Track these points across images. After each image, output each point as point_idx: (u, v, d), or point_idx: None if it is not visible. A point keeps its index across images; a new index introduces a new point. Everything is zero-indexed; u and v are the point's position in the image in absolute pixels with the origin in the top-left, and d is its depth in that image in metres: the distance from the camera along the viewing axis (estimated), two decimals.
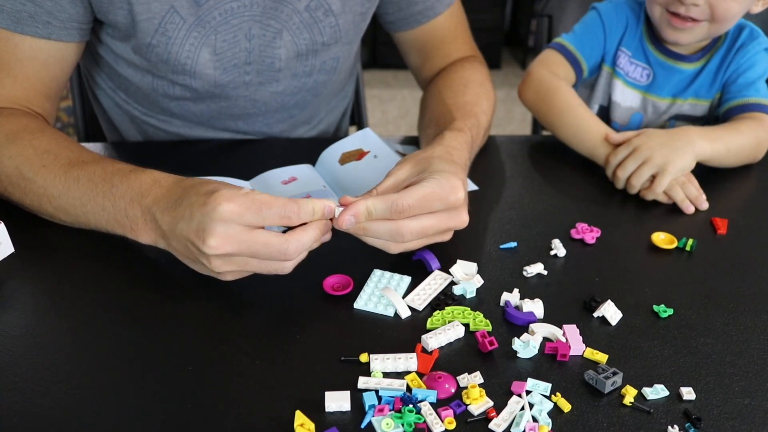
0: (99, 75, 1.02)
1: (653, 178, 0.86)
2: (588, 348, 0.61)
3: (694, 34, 0.99)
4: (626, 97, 1.10)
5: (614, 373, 0.57)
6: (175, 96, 0.95)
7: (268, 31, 0.89)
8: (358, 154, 0.85)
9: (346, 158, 0.85)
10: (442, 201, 0.66)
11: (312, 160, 0.89)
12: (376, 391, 0.56)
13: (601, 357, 0.61)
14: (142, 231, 0.68)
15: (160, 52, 0.86)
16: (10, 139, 0.76)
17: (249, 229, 0.60)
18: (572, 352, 0.61)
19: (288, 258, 0.62)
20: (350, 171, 0.83)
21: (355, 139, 0.87)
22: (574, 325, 0.64)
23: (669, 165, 0.85)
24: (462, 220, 0.68)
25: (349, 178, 0.82)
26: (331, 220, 0.64)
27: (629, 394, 0.56)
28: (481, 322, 0.64)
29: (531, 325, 0.63)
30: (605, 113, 1.13)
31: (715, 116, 1.05)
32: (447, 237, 0.70)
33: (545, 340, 0.63)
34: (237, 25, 0.87)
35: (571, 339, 0.62)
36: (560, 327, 0.63)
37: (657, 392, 0.57)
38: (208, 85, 0.92)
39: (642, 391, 0.57)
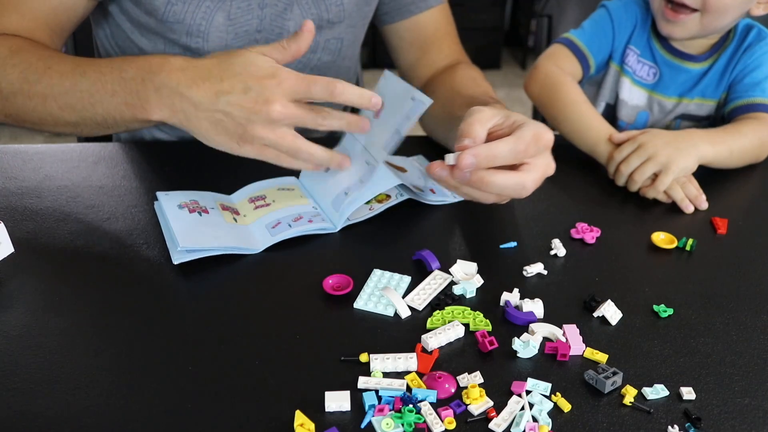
0: (114, 50, 1.04)
1: (655, 176, 0.86)
2: (588, 348, 0.61)
3: (687, 27, 0.99)
4: (633, 96, 1.10)
5: (614, 373, 0.57)
6: None
7: (280, 1, 0.93)
8: None
9: None
10: (544, 142, 0.69)
11: None
12: (376, 391, 0.56)
13: (601, 357, 0.61)
14: (155, 107, 0.72)
15: (177, 11, 0.89)
16: (13, 51, 0.79)
17: (298, 102, 0.69)
18: (572, 352, 0.61)
19: (320, 124, 0.71)
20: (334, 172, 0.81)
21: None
22: (574, 325, 0.64)
23: (672, 164, 0.85)
24: (553, 165, 0.72)
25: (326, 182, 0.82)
26: (451, 168, 0.67)
27: (629, 394, 0.56)
28: (481, 322, 0.64)
29: (531, 325, 0.63)
30: (611, 111, 1.14)
31: (721, 116, 1.06)
32: (534, 187, 0.72)
33: (545, 340, 0.63)
34: None
35: (571, 339, 0.62)
36: (560, 327, 0.63)
37: (657, 392, 0.57)
38: (219, 49, 0.94)
39: (642, 391, 0.57)
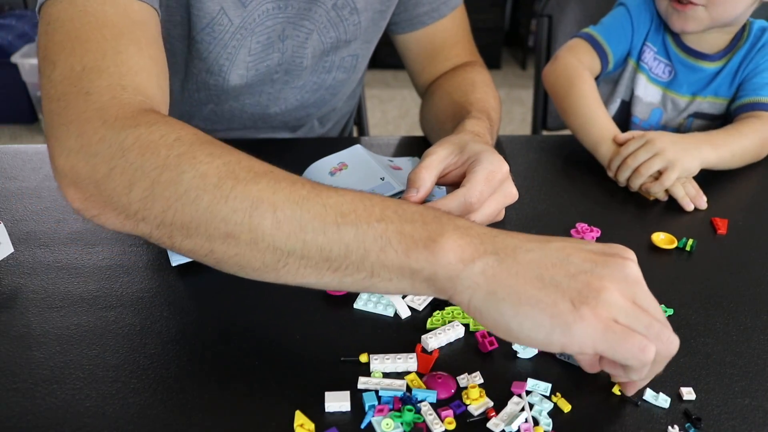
0: None
1: (658, 174, 0.87)
2: None
3: (697, 20, 0.99)
4: (648, 93, 1.11)
5: None
6: (200, 100, 0.94)
7: (301, 32, 0.89)
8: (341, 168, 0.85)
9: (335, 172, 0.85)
10: (498, 178, 0.66)
11: (311, 159, 0.88)
12: (376, 392, 0.56)
13: None
14: (451, 240, 0.49)
15: (201, 49, 0.85)
16: (204, 140, 0.55)
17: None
18: None
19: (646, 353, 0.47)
20: (338, 182, 0.82)
21: (343, 155, 0.86)
22: None
23: (678, 162, 0.86)
24: (513, 193, 0.69)
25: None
26: None
27: (616, 389, 0.57)
28: None
29: None
30: (626, 108, 1.15)
31: (727, 113, 1.07)
32: (502, 215, 0.71)
33: None
34: (271, 27, 0.87)
35: None
36: None
37: (657, 399, 0.57)
38: (239, 86, 0.92)
39: (644, 397, 0.57)
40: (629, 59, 1.12)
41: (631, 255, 0.51)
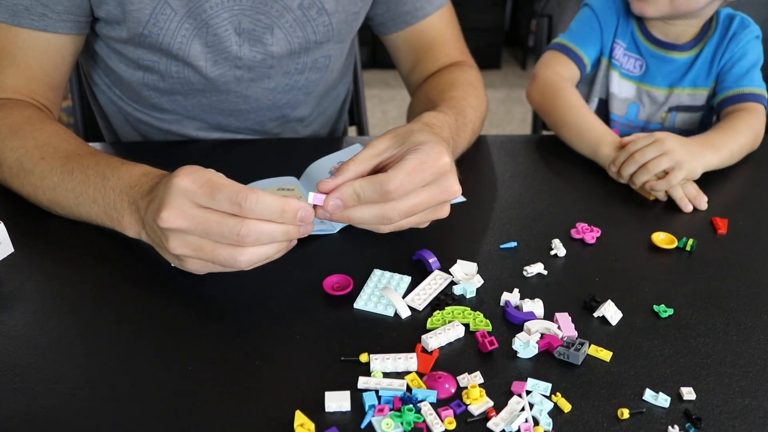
0: (95, 71, 1.02)
1: (663, 174, 0.87)
2: (593, 345, 0.61)
3: (658, 5, 1.01)
4: (622, 89, 1.12)
5: (581, 344, 0.59)
6: (165, 89, 0.95)
7: (258, 26, 0.89)
8: None
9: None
10: (431, 171, 0.62)
11: (311, 159, 0.88)
12: (376, 391, 0.56)
13: (605, 354, 0.61)
14: (128, 223, 0.67)
15: (152, 42, 0.87)
16: (13, 131, 0.77)
17: (203, 207, 0.58)
18: (566, 336, 0.62)
19: (242, 242, 0.57)
20: None
21: (343, 154, 0.86)
22: (566, 313, 0.64)
23: (686, 163, 0.86)
24: (453, 189, 0.64)
25: None
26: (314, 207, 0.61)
27: (624, 415, 0.55)
28: (481, 322, 0.64)
29: (526, 324, 0.63)
30: (604, 106, 1.15)
31: (710, 106, 1.08)
32: (444, 212, 0.67)
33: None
34: (227, 19, 0.87)
35: (564, 326, 0.63)
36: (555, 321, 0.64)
37: (657, 399, 0.57)
38: (200, 77, 0.92)
39: (644, 398, 0.57)
40: (602, 58, 1.13)
41: (180, 178, 0.58)
